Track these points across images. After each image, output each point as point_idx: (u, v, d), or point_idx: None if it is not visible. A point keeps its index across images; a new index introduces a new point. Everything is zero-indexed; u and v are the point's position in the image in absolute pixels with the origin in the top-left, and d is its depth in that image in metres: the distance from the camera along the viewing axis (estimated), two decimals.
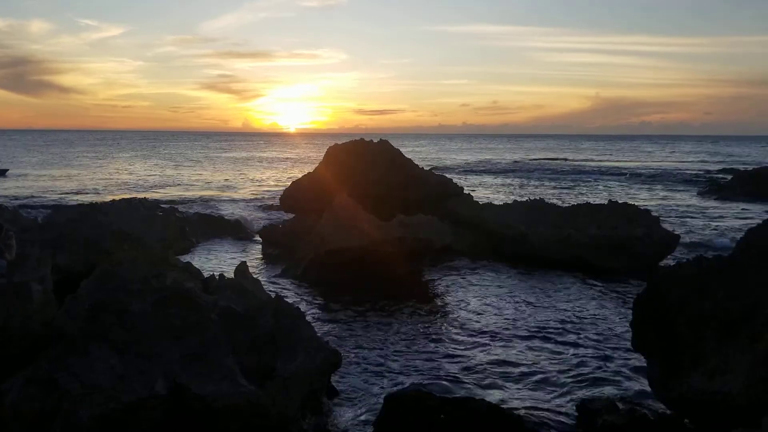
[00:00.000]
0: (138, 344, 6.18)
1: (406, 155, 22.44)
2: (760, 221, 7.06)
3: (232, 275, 8.73)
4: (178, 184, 42.25)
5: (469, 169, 61.35)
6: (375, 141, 22.76)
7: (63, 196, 33.90)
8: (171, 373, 6.04)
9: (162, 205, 26.75)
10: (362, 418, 7.35)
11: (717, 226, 24.05)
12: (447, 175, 24.44)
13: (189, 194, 35.74)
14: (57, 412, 5.73)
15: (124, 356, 6.09)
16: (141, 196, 32.14)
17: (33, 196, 33.65)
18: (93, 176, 47.89)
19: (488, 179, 49.29)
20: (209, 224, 21.00)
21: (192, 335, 6.34)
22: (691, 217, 26.33)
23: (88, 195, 33.86)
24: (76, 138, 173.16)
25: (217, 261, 16.80)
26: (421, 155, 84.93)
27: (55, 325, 6.63)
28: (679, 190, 39.31)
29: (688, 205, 30.88)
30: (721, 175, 48.43)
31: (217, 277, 8.13)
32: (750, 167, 47.05)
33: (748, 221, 23.48)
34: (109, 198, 29.22)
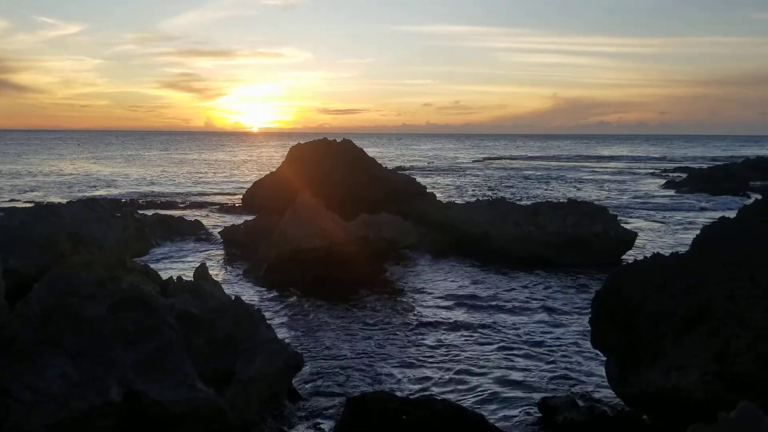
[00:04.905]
0: (92, 350, 6.00)
1: (369, 155, 22.46)
2: (715, 218, 7.20)
3: (191, 277, 8.56)
4: (137, 185, 41.49)
5: (432, 168, 61.66)
6: (338, 140, 22.72)
7: (16, 197, 32.98)
8: (126, 379, 5.88)
9: (120, 206, 26.29)
10: (324, 420, 7.29)
11: (673, 223, 24.57)
12: (410, 174, 24.52)
13: (148, 194, 35.09)
14: (5, 422, 5.54)
15: (77, 363, 5.91)
16: (98, 196, 31.53)
17: None
18: (48, 177, 46.74)
19: (451, 178, 49.57)
20: (169, 225, 20.61)
21: (148, 340, 6.19)
22: (648, 215, 26.85)
23: (43, 196, 33.01)
24: (32, 138, 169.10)
25: (176, 263, 16.52)
26: (385, 154, 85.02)
27: (5, 331, 6.41)
28: (637, 188, 40.07)
29: (644, 203, 31.48)
30: (676, 174, 49.58)
31: (176, 280, 7.97)
32: (704, 166, 48.31)
33: (703, 218, 24.08)
34: (64, 199, 28.59)
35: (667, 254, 7.28)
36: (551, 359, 9.43)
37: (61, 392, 5.72)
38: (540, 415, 7.35)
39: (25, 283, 8.80)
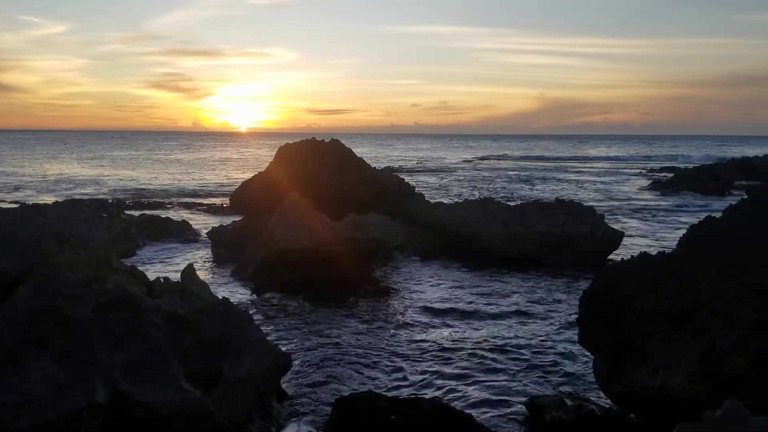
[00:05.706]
0: (77, 351, 5.94)
1: (357, 155, 22.42)
2: (701, 217, 7.25)
3: (179, 278, 8.51)
4: (124, 185, 41.22)
5: (420, 169, 61.75)
6: (326, 141, 22.66)
7: (2, 197, 32.65)
8: (112, 381, 5.84)
9: (106, 207, 26.07)
10: (312, 420, 7.26)
11: (660, 222, 24.74)
12: (399, 175, 24.51)
13: (135, 195, 34.87)
14: None
15: (62, 364, 5.85)
16: (84, 197, 31.27)
17: None
18: (34, 177, 46.33)
19: (439, 178, 49.64)
20: (156, 226, 20.49)
21: (134, 341, 6.14)
22: (635, 214, 27.02)
23: (29, 196, 32.71)
24: (16, 138, 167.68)
25: (163, 263, 16.42)
26: (373, 155, 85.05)
27: None
28: (623, 188, 40.32)
29: (631, 203, 31.69)
30: (662, 174, 49.96)
31: (162, 280, 7.92)
32: (690, 165, 48.76)
33: (690, 217, 24.25)
34: (50, 199, 28.33)
35: (654, 253, 7.32)
36: (539, 358, 9.45)
37: (47, 394, 5.67)
38: (528, 414, 7.37)
39: (10, 284, 8.71)
